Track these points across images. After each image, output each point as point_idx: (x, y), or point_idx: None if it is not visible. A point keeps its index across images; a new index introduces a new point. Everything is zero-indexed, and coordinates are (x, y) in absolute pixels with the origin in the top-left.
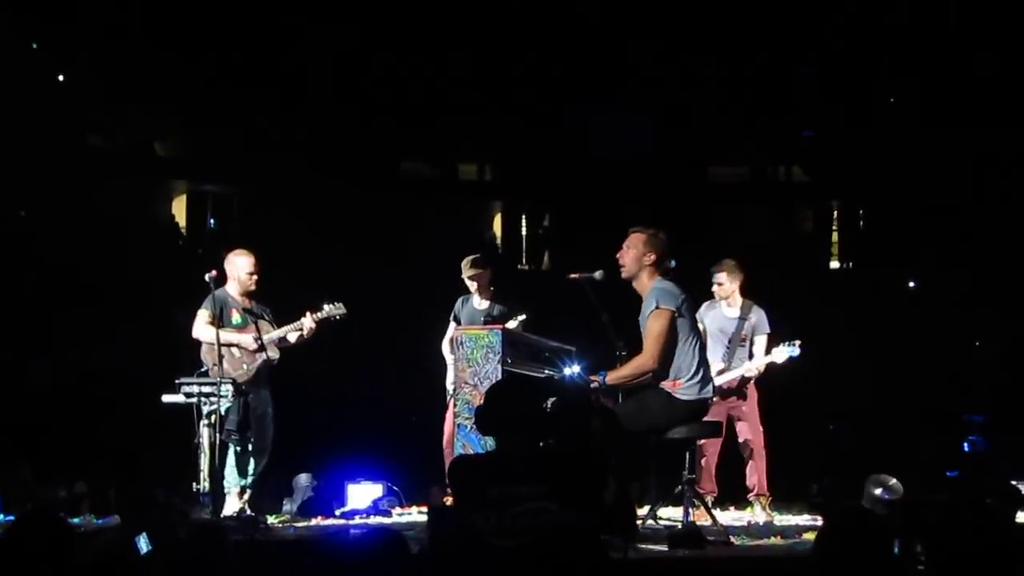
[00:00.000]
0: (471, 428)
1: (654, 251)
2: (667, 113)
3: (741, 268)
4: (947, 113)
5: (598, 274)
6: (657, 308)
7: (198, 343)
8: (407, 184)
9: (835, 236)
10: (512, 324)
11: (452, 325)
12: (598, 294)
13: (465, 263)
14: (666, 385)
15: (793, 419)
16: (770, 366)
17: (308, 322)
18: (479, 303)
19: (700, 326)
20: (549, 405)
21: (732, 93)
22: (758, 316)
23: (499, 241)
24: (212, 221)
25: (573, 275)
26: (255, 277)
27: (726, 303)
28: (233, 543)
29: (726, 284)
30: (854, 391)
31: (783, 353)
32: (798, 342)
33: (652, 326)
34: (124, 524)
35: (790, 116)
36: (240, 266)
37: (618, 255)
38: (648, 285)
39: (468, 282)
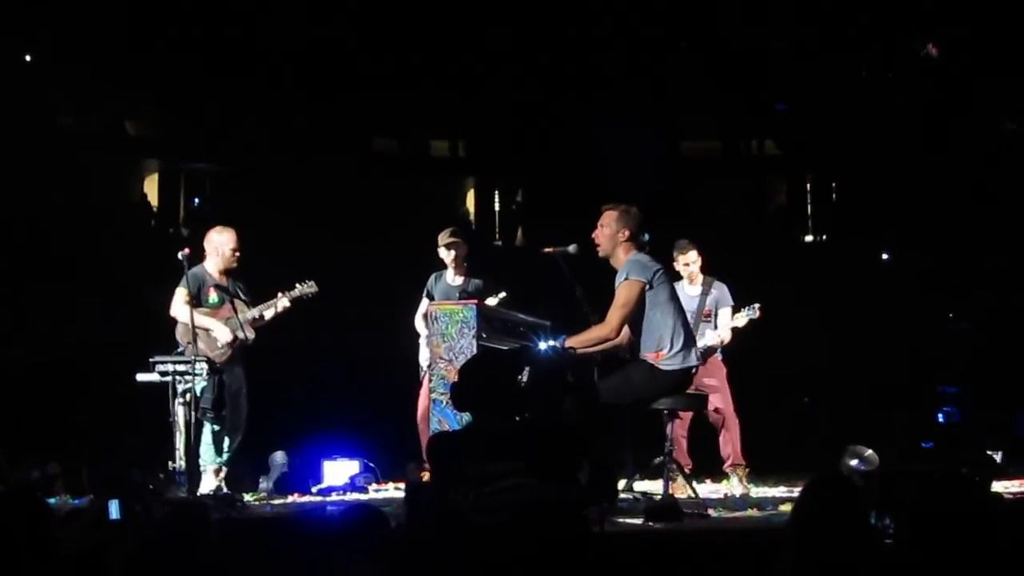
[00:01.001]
0: (447, 403)
1: (627, 226)
2: (639, 88)
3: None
4: (918, 83)
5: (572, 247)
6: (627, 279)
7: (174, 323)
8: (379, 161)
9: (809, 209)
10: (492, 302)
11: (425, 301)
12: (572, 268)
13: (443, 233)
14: (648, 356)
15: (767, 392)
16: (737, 339)
17: (283, 302)
18: (453, 279)
19: None
20: (524, 378)
21: (703, 67)
22: (720, 290)
23: (472, 218)
24: (196, 200)
25: (547, 249)
26: (238, 254)
27: (687, 281)
28: (214, 521)
29: (699, 260)
30: (829, 364)
31: (742, 317)
32: (757, 304)
33: (618, 295)
34: (99, 504)
35: (762, 90)
36: (224, 242)
37: (593, 235)
38: (624, 260)
39: (444, 253)
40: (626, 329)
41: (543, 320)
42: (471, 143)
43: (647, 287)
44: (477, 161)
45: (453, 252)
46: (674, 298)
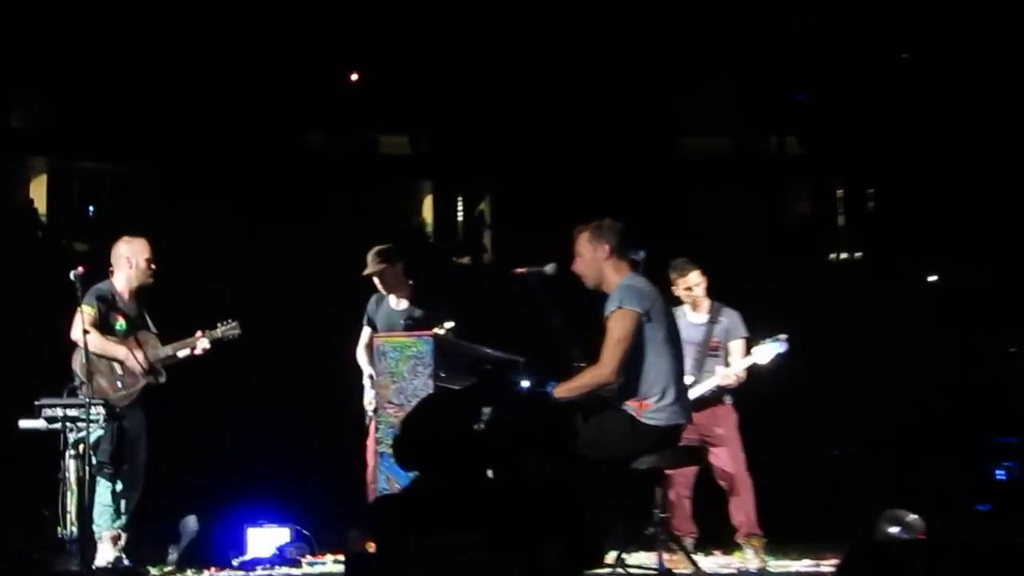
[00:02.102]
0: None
1: (603, 241)
2: (632, 72)
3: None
4: (971, 71)
5: (549, 268)
6: (619, 308)
7: (70, 350)
8: (316, 161)
9: (838, 221)
10: (440, 331)
11: (366, 330)
12: (549, 293)
13: (368, 259)
14: (630, 406)
15: (786, 443)
16: (752, 374)
17: (203, 343)
18: (396, 303)
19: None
20: (483, 424)
21: (708, 47)
22: (730, 319)
23: (429, 228)
24: (91, 208)
25: (519, 269)
26: (154, 267)
27: (690, 308)
28: None
29: (701, 283)
30: (862, 407)
31: (767, 351)
32: (783, 336)
33: (612, 329)
34: None
35: (780, 76)
36: (137, 252)
37: (572, 267)
38: (616, 284)
39: (373, 280)
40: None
41: (514, 356)
42: (430, 138)
43: (642, 318)
44: (436, 161)
45: (378, 281)
46: (672, 338)
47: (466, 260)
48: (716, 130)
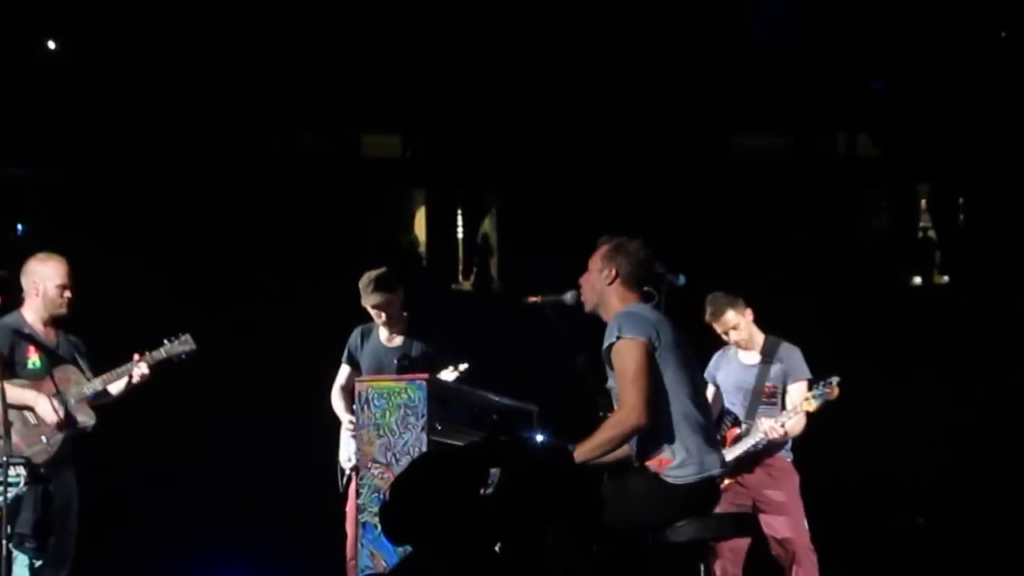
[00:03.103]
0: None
1: (614, 264)
2: (670, 58)
3: (736, 295)
4: None
5: (569, 296)
6: (620, 339)
7: None
8: (285, 164)
9: (922, 237)
10: (447, 376)
11: (345, 369)
12: (570, 326)
13: (365, 284)
14: (650, 464)
15: (856, 507)
16: (811, 428)
17: (140, 368)
18: (388, 338)
19: (711, 385)
20: (491, 488)
21: (760, 24)
22: (789, 358)
23: (422, 248)
24: (20, 227)
25: (532, 298)
26: (68, 293)
27: (739, 349)
28: None
29: (741, 324)
30: (951, 464)
31: (810, 399)
32: (834, 379)
33: (620, 366)
34: None
35: (851, 59)
36: (47, 276)
37: (580, 280)
38: (614, 312)
39: (372, 313)
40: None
41: (526, 404)
42: (424, 139)
43: (650, 347)
44: (432, 165)
45: (383, 314)
46: (688, 370)
47: (468, 286)
48: (772, 126)
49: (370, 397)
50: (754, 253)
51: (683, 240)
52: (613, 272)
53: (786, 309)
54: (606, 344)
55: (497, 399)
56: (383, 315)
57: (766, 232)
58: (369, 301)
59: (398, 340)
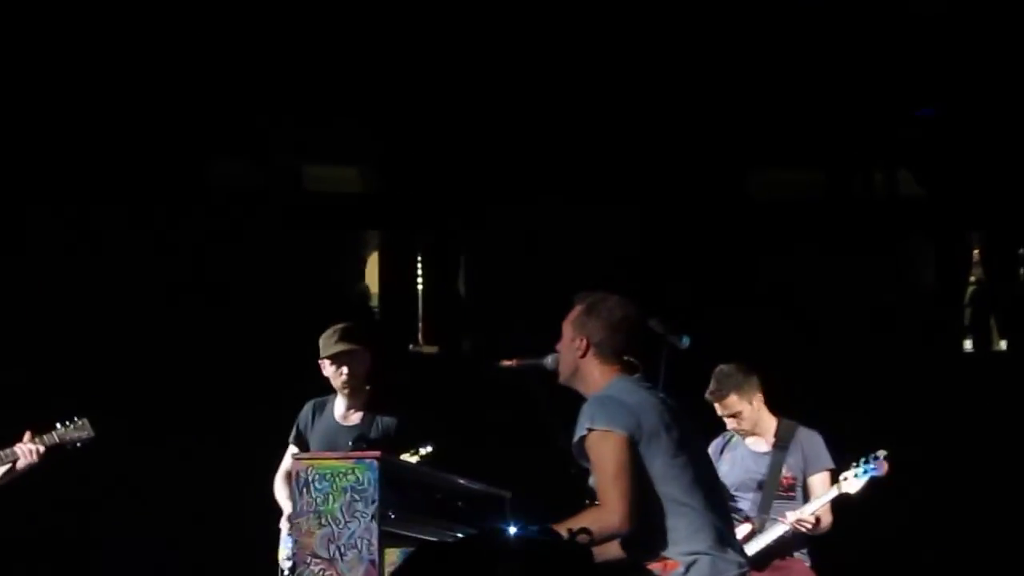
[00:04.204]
0: None
1: (584, 332)
2: (679, 73)
3: (749, 373)
4: None
5: (550, 360)
6: (592, 431)
7: None
8: (218, 201)
9: (974, 293)
10: (411, 459)
11: (291, 451)
12: (551, 394)
13: (328, 334)
14: (655, 568)
15: None
16: (841, 513)
17: (26, 451)
18: (345, 413)
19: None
20: None
21: (789, 44)
22: (807, 444)
23: (375, 302)
24: None
25: (507, 362)
26: None
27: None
28: None
29: (744, 413)
30: (1007, 560)
31: (855, 479)
32: (881, 453)
33: (599, 460)
34: None
35: (891, 82)
36: None
37: (557, 347)
38: (591, 392)
39: (329, 370)
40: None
41: (497, 489)
42: (382, 170)
43: (631, 440)
44: (388, 201)
45: (345, 370)
46: (694, 458)
47: (430, 348)
48: (797, 159)
49: (311, 479)
50: (773, 309)
51: (690, 291)
52: (584, 342)
53: (813, 374)
54: (576, 437)
55: (463, 482)
56: (345, 372)
57: (789, 282)
58: (330, 351)
59: (356, 418)
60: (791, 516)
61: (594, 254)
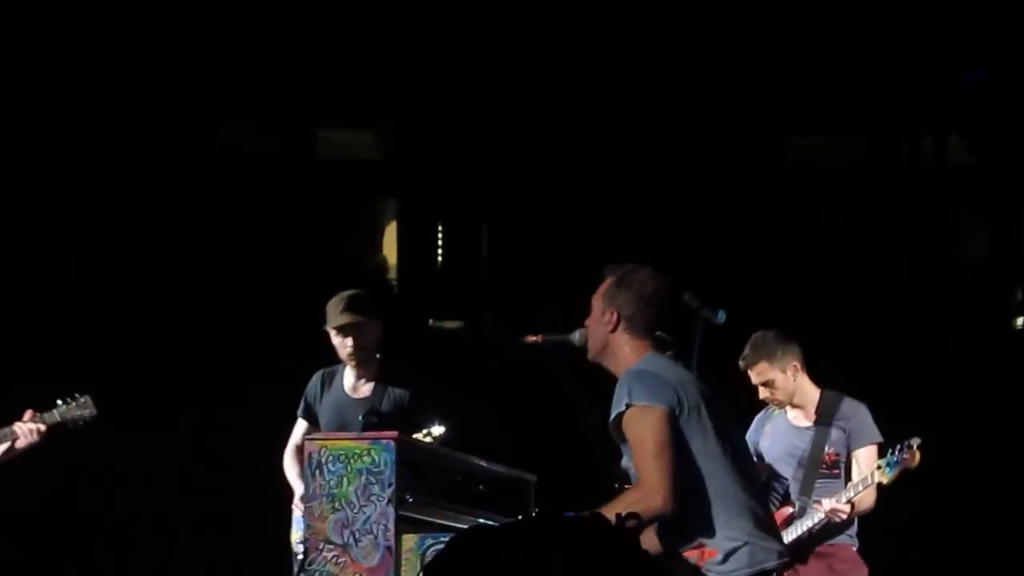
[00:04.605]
0: None
1: (614, 306)
2: (709, 36)
3: (786, 341)
4: None
5: (578, 336)
6: (632, 407)
7: None
8: (225, 167)
9: None
10: (422, 438)
11: (301, 425)
12: (578, 373)
13: (334, 303)
14: (691, 556)
15: None
16: (885, 501)
17: (26, 429)
18: (354, 387)
19: (753, 450)
20: None
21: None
22: (853, 416)
23: (393, 274)
24: None
25: (532, 337)
26: None
27: (788, 407)
28: None
29: (777, 381)
30: None
31: (881, 471)
32: (914, 441)
33: (639, 436)
34: None
35: (941, 41)
36: None
37: (585, 323)
38: (623, 366)
39: (336, 339)
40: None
41: (522, 472)
42: (400, 136)
43: (673, 416)
44: (407, 168)
45: (350, 342)
46: (727, 437)
47: (451, 323)
48: (837, 124)
49: (323, 461)
50: (814, 284)
51: (724, 264)
52: (614, 316)
53: (854, 356)
54: (613, 414)
55: (485, 465)
56: (350, 344)
57: (830, 255)
58: (335, 322)
59: (366, 390)
60: (826, 504)
61: (624, 226)
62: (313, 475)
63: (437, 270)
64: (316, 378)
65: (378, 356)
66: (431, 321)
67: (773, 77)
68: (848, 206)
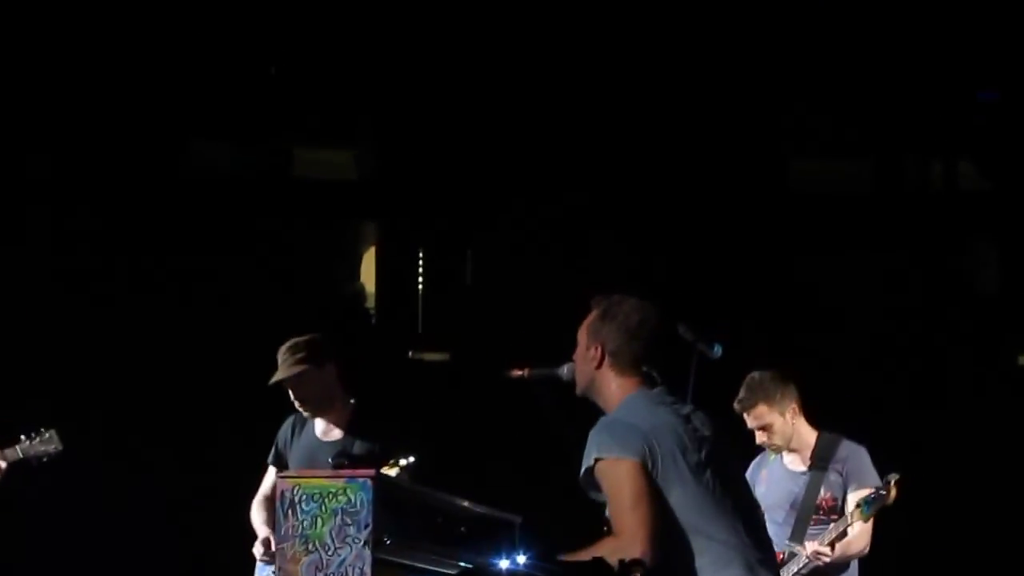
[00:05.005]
0: None
1: (598, 340)
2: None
3: (784, 382)
4: None
5: (566, 369)
6: (599, 460)
7: None
8: (195, 188)
9: None
10: (391, 472)
11: (270, 473)
12: (566, 410)
13: (280, 355)
14: None
15: None
16: (883, 543)
17: None
18: (325, 431)
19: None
20: None
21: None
22: (851, 459)
23: (371, 303)
24: None
25: (518, 371)
26: None
27: (784, 451)
28: None
29: (776, 425)
30: None
31: (861, 508)
32: (892, 477)
33: (613, 488)
34: None
35: (950, 60)
36: None
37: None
38: (608, 406)
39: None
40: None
41: (506, 514)
42: (382, 154)
43: (646, 466)
44: (387, 189)
45: (295, 396)
46: (714, 476)
47: (435, 355)
48: (843, 147)
49: (297, 499)
50: (816, 314)
51: (722, 294)
52: (599, 351)
53: (857, 391)
54: (583, 467)
55: (468, 505)
56: (296, 397)
57: (834, 286)
58: (276, 376)
59: (337, 432)
60: (809, 547)
61: (617, 252)
62: (286, 514)
63: (418, 297)
64: (288, 423)
65: (352, 401)
66: (411, 353)
67: (777, 99)
68: (854, 232)
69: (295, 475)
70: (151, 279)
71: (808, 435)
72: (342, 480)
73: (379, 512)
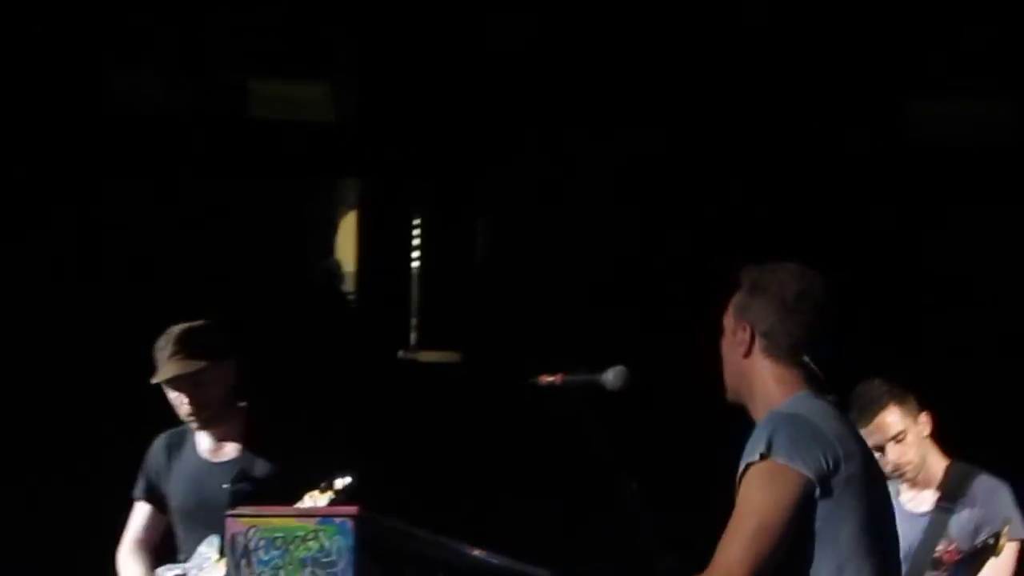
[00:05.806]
0: None
1: (746, 319)
2: None
3: (902, 388)
4: None
5: (612, 376)
6: (763, 460)
7: None
8: (124, 125)
9: None
10: (320, 501)
11: (141, 510)
12: (610, 424)
13: (160, 349)
14: None
15: None
16: None
17: None
18: (214, 449)
19: None
20: None
21: None
22: (989, 499)
23: (349, 285)
24: None
25: (548, 377)
26: None
27: (903, 486)
28: None
29: (909, 437)
30: None
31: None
32: (1007, 527)
33: (747, 502)
34: None
35: None
36: None
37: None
38: (767, 404)
39: (172, 398)
40: None
41: (531, 567)
42: (364, 93)
43: (815, 491)
44: (372, 138)
45: (185, 400)
46: (881, 532)
47: (433, 356)
48: (975, 86)
49: (253, 546)
50: (948, 285)
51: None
52: (747, 332)
53: (996, 388)
54: (743, 465)
55: (478, 555)
56: (185, 403)
57: (966, 253)
58: (162, 375)
59: (231, 449)
60: None
61: (663, 221)
62: (238, 565)
63: (412, 279)
64: (158, 444)
65: (242, 404)
66: (400, 352)
67: (894, 28)
68: (989, 189)
69: (251, 514)
70: (59, 247)
71: (937, 463)
72: (313, 521)
73: (361, 563)
